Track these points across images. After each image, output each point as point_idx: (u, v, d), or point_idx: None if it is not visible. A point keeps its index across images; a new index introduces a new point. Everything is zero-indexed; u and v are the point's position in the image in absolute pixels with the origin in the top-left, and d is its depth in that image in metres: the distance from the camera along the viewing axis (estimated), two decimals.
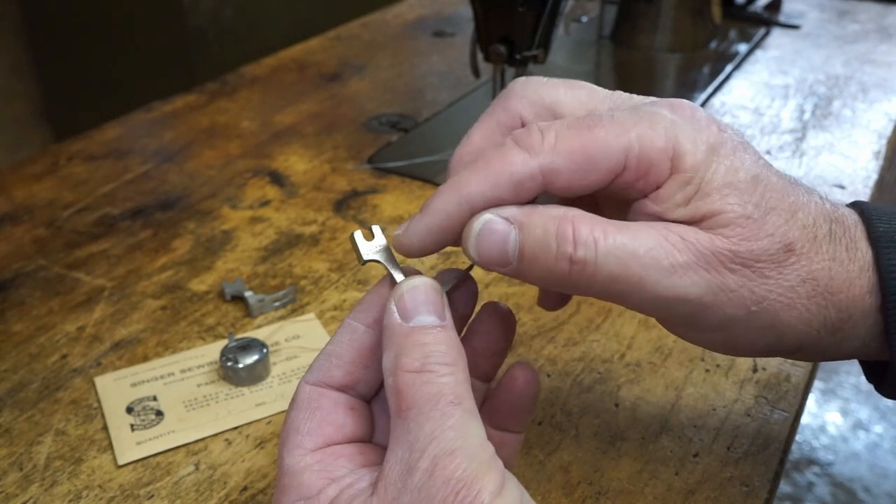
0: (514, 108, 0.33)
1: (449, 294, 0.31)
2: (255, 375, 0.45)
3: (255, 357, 0.45)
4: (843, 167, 0.69)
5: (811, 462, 1.50)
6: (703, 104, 0.81)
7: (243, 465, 0.40)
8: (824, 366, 1.54)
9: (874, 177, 0.68)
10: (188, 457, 0.41)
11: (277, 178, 0.68)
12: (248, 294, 0.51)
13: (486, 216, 0.29)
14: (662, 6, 0.92)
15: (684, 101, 0.31)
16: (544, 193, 0.30)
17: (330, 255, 0.57)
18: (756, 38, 0.98)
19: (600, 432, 0.42)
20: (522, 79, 0.34)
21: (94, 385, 0.45)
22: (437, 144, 0.72)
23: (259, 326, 0.50)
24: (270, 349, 0.47)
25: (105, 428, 0.43)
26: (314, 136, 0.75)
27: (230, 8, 1.39)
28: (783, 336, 0.30)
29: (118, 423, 0.43)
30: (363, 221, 0.61)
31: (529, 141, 0.29)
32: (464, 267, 0.33)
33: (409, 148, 0.72)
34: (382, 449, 0.30)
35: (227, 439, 0.42)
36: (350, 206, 0.63)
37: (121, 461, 0.40)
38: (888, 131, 0.76)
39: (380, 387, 0.32)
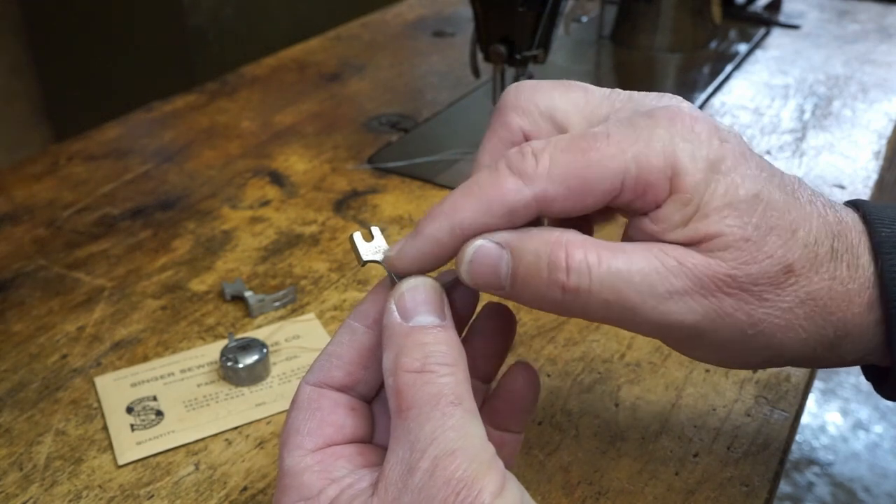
0: (513, 122, 0.32)
1: (449, 294, 0.31)
2: (255, 375, 0.45)
3: (255, 357, 0.45)
4: (843, 167, 0.69)
5: (811, 462, 1.50)
6: (703, 104, 0.81)
7: (243, 466, 0.40)
8: None
9: (874, 177, 0.68)
10: (188, 457, 0.41)
11: (277, 178, 0.68)
12: (248, 294, 0.51)
13: (479, 242, 0.29)
14: (662, 6, 0.92)
15: (684, 107, 0.30)
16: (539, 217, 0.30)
17: (330, 255, 0.57)
18: (756, 38, 0.98)
19: (600, 432, 0.42)
20: (513, 87, 0.33)
21: (94, 385, 0.45)
22: (437, 144, 0.72)
23: (259, 326, 0.50)
24: (270, 349, 0.47)
25: (105, 428, 0.43)
26: (314, 136, 0.75)
27: (230, 8, 1.39)
28: (780, 353, 0.30)
29: (118, 423, 0.43)
30: (363, 221, 0.61)
31: (523, 167, 0.28)
32: None
33: (409, 148, 0.72)
34: (382, 449, 0.30)
35: (227, 439, 0.42)
36: (350, 206, 0.63)
37: (121, 461, 0.40)
38: (888, 131, 0.76)
39: (380, 387, 0.32)
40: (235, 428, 0.43)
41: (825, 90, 0.85)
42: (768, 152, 0.72)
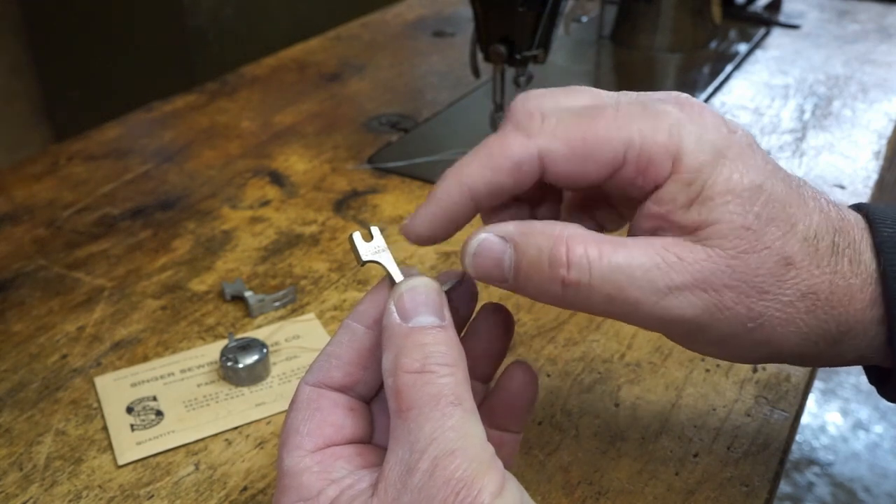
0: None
1: (449, 294, 0.31)
2: (255, 375, 0.45)
3: (255, 357, 0.45)
4: (843, 167, 0.69)
5: (811, 462, 1.50)
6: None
7: (243, 466, 0.40)
8: None
9: (874, 177, 0.68)
10: (188, 457, 0.41)
11: (277, 178, 0.68)
12: (248, 294, 0.51)
13: (483, 234, 0.30)
14: (662, 6, 0.92)
15: (694, 99, 0.31)
16: (544, 183, 0.30)
17: (330, 255, 0.57)
18: (756, 38, 0.98)
19: (600, 432, 0.42)
20: (522, 96, 0.33)
21: (94, 385, 0.45)
22: (437, 144, 0.72)
23: (259, 326, 0.50)
24: (270, 349, 0.47)
25: (105, 428, 0.43)
26: (314, 136, 0.75)
27: (230, 8, 1.39)
28: (781, 348, 0.30)
29: (118, 423, 0.43)
30: (363, 221, 0.61)
31: (529, 124, 0.29)
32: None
33: (409, 148, 0.72)
34: (382, 450, 0.30)
35: (227, 439, 0.42)
36: (350, 206, 0.63)
37: (121, 461, 0.40)
38: (888, 131, 0.76)
39: (379, 388, 0.32)
40: (235, 428, 0.43)
41: (825, 90, 0.85)
42: (768, 152, 0.72)
